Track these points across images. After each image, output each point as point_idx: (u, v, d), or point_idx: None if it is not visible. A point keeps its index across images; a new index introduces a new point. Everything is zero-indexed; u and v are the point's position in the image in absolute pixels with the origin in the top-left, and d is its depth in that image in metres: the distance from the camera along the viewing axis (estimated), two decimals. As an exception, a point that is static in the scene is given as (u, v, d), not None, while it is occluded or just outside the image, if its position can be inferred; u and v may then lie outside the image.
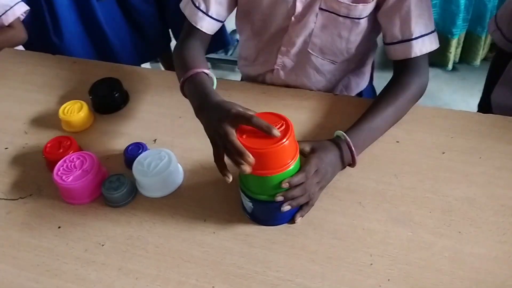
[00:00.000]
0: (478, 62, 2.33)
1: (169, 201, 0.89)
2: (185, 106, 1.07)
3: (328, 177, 0.85)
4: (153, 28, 1.87)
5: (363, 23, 1.00)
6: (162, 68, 2.39)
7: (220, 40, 1.91)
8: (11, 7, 1.50)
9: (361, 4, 0.96)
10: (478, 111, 1.34)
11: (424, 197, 0.85)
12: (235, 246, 0.81)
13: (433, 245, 0.79)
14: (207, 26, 1.04)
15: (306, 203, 0.83)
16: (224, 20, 1.08)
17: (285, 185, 0.76)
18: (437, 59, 2.37)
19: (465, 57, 2.35)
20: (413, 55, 0.96)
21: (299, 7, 0.99)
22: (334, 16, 0.99)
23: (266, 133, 0.71)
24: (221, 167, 0.78)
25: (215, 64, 2.67)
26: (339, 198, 0.87)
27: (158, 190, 0.90)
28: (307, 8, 1.00)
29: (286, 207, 0.78)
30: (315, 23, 1.01)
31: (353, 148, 0.86)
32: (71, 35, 1.71)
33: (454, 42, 2.24)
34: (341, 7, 0.97)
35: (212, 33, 1.06)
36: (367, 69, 1.20)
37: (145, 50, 1.90)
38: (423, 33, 0.95)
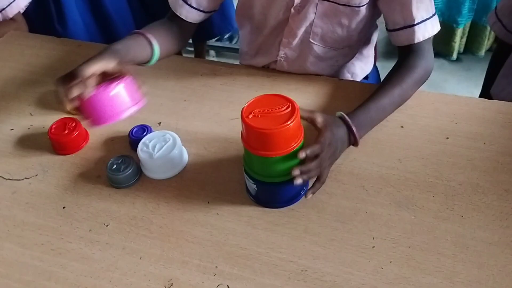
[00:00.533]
0: (483, 52, 2.32)
1: (173, 183, 0.90)
2: (190, 90, 1.08)
3: (337, 153, 0.85)
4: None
5: (363, 10, 0.99)
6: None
7: (224, 24, 1.89)
8: (15, 0, 1.49)
9: None
10: None
11: (427, 181, 0.85)
12: (238, 227, 0.82)
13: (435, 229, 0.79)
14: (186, 14, 1.04)
15: (318, 180, 0.82)
16: (210, 11, 1.07)
17: (301, 155, 0.75)
18: (441, 48, 2.36)
19: (470, 47, 2.35)
20: (416, 41, 0.96)
21: None
22: (334, 5, 0.99)
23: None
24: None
25: (219, 52, 2.67)
26: (342, 182, 0.87)
27: (163, 172, 0.90)
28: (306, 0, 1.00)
29: (299, 180, 0.77)
30: (315, 13, 1.01)
31: (353, 127, 0.86)
32: (75, 23, 1.70)
33: (459, 32, 2.24)
34: None
35: (193, 21, 1.06)
36: (371, 52, 1.20)
37: None
38: (424, 18, 0.95)
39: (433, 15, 0.97)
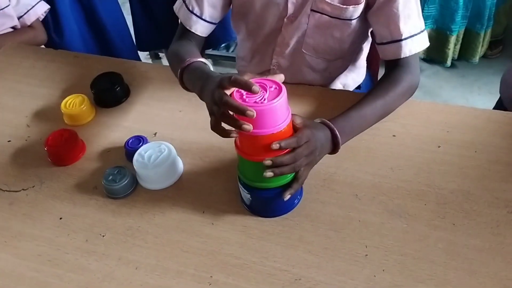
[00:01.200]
0: (477, 59, 2.34)
1: (168, 193, 0.91)
2: (185, 100, 1.09)
3: (316, 155, 0.82)
4: (165, 14, 1.84)
5: (355, 23, 1.01)
6: (164, 64, 2.41)
7: (224, 33, 1.90)
8: (33, 7, 1.51)
9: (351, 6, 0.97)
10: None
11: (419, 190, 0.86)
12: (233, 236, 0.83)
13: (427, 237, 0.80)
14: (201, 29, 1.06)
15: (296, 180, 0.80)
16: (218, 22, 1.09)
17: (275, 146, 0.73)
18: (435, 55, 2.38)
19: (464, 54, 2.36)
20: (403, 56, 0.96)
21: (290, 8, 1.01)
22: (326, 17, 1.00)
23: (246, 90, 0.71)
24: (221, 131, 0.78)
25: (216, 60, 2.68)
26: (335, 191, 0.88)
27: (158, 182, 0.91)
28: (299, 10, 1.01)
29: (269, 173, 0.75)
30: (307, 24, 1.03)
31: (335, 131, 0.85)
32: (71, 33, 1.72)
33: (452, 39, 2.25)
34: (332, 9, 0.98)
35: (206, 35, 1.08)
36: (363, 63, 1.21)
37: (158, 36, 1.89)
38: (412, 33, 0.96)
39: (422, 31, 0.97)
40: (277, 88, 0.74)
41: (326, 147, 0.85)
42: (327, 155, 0.87)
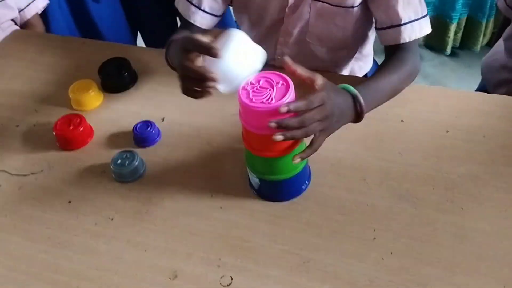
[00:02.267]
0: (478, 48, 2.32)
1: (176, 177, 0.91)
2: (193, 85, 1.08)
3: (334, 121, 0.78)
4: (159, 20, 1.83)
5: (357, 10, 1.00)
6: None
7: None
8: (34, 0, 1.50)
9: None
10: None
11: (427, 174, 0.86)
12: (241, 220, 0.83)
13: (436, 221, 0.80)
14: (201, 20, 1.04)
15: (309, 146, 0.76)
16: (221, 14, 1.08)
17: (284, 108, 0.69)
18: (435, 43, 2.37)
19: (467, 42, 2.35)
20: (402, 41, 0.95)
21: None
22: (327, 5, 0.99)
23: (205, 53, 0.70)
24: (192, 92, 0.77)
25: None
26: (344, 175, 0.88)
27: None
28: (300, 0, 1.00)
29: (278, 137, 0.70)
30: (309, 13, 1.02)
31: (359, 97, 0.82)
32: (57, 21, 1.68)
33: (452, 27, 2.23)
34: None
35: (208, 28, 1.06)
36: (369, 51, 1.20)
37: (152, 40, 1.88)
38: (412, 19, 0.94)
39: (423, 16, 0.96)
40: (284, 84, 0.72)
41: (347, 114, 0.82)
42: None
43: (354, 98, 0.82)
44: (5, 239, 0.85)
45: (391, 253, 0.76)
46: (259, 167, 0.81)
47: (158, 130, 0.98)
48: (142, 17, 1.83)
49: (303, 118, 0.72)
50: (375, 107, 0.90)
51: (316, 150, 0.77)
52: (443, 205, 0.82)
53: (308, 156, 0.77)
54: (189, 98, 1.05)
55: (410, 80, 0.99)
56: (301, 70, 0.75)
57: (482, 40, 2.32)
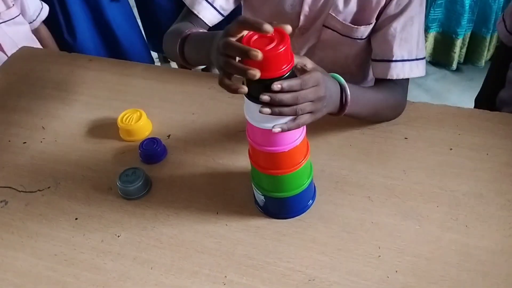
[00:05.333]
0: (483, 63, 2.34)
1: (182, 194, 0.92)
2: (198, 103, 1.10)
3: (324, 105, 0.75)
4: (169, 18, 1.88)
5: (364, 41, 1.00)
6: (174, 67, 2.42)
7: None
8: (39, 14, 1.59)
9: (362, 26, 0.96)
10: (474, 106, 1.37)
11: (431, 192, 0.87)
12: (247, 237, 0.84)
13: (440, 239, 0.80)
14: (209, 17, 1.01)
15: (293, 120, 0.72)
16: (225, 16, 1.05)
17: (276, 86, 0.66)
18: (441, 58, 2.39)
19: (470, 57, 2.37)
20: (389, 77, 0.94)
21: (302, 20, 1.00)
22: (337, 34, 1.00)
23: (256, 30, 0.63)
24: (227, 86, 0.68)
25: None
26: (348, 193, 0.89)
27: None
28: (311, 23, 1.01)
29: (265, 109, 0.67)
30: (318, 38, 1.03)
31: (348, 90, 0.80)
32: (83, 34, 1.75)
33: (458, 42, 2.26)
34: (343, 27, 0.98)
35: (211, 25, 1.03)
36: (373, 78, 1.21)
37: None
38: (405, 58, 0.94)
39: (417, 59, 0.95)
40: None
41: (334, 101, 0.79)
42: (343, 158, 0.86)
43: (342, 88, 0.80)
44: (12, 255, 0.86)
45: (396, 271, 0.77)
46: (265, 185, 0.82)
47: (164, 147, 0.99)
48: (155, 20, 1.88)
49: (297, 95, 0.69)
50: (356, 112, 0.87)
51: (299, 127, 0.73)
52: (447, 222, 0.83)
53: (288, 129, 0.71)
54: (195, 115, 1.07)
55: (393, 111, 0.98)
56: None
57: (486, 55, 2.33)
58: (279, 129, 0.70)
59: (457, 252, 0.78)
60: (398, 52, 0.94)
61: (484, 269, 0.76)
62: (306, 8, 0.98)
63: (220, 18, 1.05)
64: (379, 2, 0.93)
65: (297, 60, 0.72)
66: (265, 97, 0.67)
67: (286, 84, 0.67)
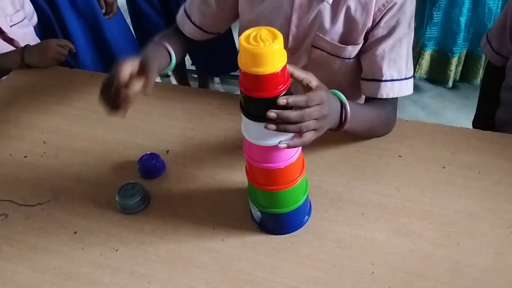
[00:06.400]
0: (478, 81, 2.37)
1: (180, 209, 0.93)
2: (197, 120, 1.12)
3: (325, 123, 0.77)
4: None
5: (353, 61, 1.02)
6: (174, 83, 2.45)
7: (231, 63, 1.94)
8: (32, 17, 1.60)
9: (350, 46, 0.98)
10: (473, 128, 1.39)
11: (424, 209, 0.89)
12: (243, 253, 0.85)
13: (432, 256, 0.82)
14: (188, 30, 1.08)
15: (299, 138, 0.74)
16: (211, 32, 1.10)
17: (282, 101, 0.68)
18: (437, 76, 2.42)
19: (466, 75, 2.40)
20: (379, 96, 0.96)
21: (291, 41, 1.02)
22: (325, 54, 1.02)
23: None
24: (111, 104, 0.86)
25: (224, 79, 2.72)
26: (343, 209, 0.90)
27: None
28: (299, 44, 1.03)
29: (270, 126, 0.69)
30: (308, 58, 1.04)
31: (348, 107, 0.82)
32: (83, 53, 1.77)
33: (454, 61, 2.29)
34: (331, 47, 1.00)
35: (193, 39, 1.10)
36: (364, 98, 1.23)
37: None
38: (394, 78, 0.95)
39: (406, 78, 0.97)
40: None
41: (335, 118, 0.82)
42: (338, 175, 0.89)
43: (342, 105, 0.83)
44: (11, 269, 0.87)
45: (389, 287, 0.78)
46: (261, 200, 0.84)
47: (163, 163, 1.00)
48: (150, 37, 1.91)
49: (303, 113, 0.71)
50: (353, 128, 0.88)
51: (304, 144, 0.75)
52: (439, 240, 0.84)
53: (294, 146, 0.74)
54: (193, 131, 1.09)
55: (385, 127, 1.01)
56: (298, 72, 0.75)
57: (481, 73, 2.36)
58: (285, 145, 0.72)
59: (449, 269, 0.80)
60: (387, 72, 0.95)
61: (476, 286, 0.77)
62: (293, 29, 1.00)
63: (203, 33, 1.10)
64: (366, 24, 0.95)
65: (303, 76, 0.75)
66: (272, 114, 0.68)
67: (292, 99, 0.69)
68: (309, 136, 0.74)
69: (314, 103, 0.73)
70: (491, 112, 1.28)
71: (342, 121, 0.84)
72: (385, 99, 0.97)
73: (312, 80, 0.76)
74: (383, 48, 0.94)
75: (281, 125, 0.70)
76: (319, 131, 0.76)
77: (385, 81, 0.96)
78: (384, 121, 0.99)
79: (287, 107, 0.70)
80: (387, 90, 0.96)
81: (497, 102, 1.26)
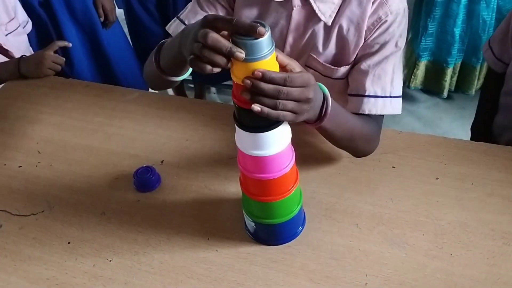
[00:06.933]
0: (473, 92, 2.39)
1: (174, 219, 0.93)
2: (192, 130, 1.12)
3: (307, 107, 0.73)
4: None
5: (345, 81, 1.02)
6: (170, 94, 2.46)
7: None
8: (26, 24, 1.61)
9: (342, 66, 0.98)
10: (471, 135, 1.40)
11: (418, 220, 0.89)
12: (236, 263, 0.85)
13: (426, 267, 0.82)
14: None
15: (274, 109, 0.69)
16: None
17: (257, 73, 0.65)
18: (432, 87, 2.44)
19: (461, 86, 2.42)
20: (361, 111, 0.94)
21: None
22: (318, 74, 1.01)
23: (250, 33, 0.63)
24: (200, 66, 0.68)
25: (220, 89, 2.73)
26: (337, 220, 0.90)
27: None
28: None
29: (245, 94, 0.67)
30: None
31: (329, 100, 0.78)
32: (81, 64, 1.78)
33: (449, 71, 2.31)
34: (324, 68, 1.00)
35: None
36: None
37: None
38: (378, 94, 0.94)
39: (391, 96, 0.95)
40: None
41: (315, 109, 0.78)
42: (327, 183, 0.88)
43: (325, 98, 0.79)
44: (5, 279, 0.86)
45: (382, 298, 0.78)
46: (255, 211, 0.84)
47: (159, 176, 1.00)
48: (148, 48, 1.92)
49: (279, 89, 0.68)
50: (332, 129, 0.85)
51: (278, 117, 0.70)
52: (432, 251, 0.84)
53: (267, 114, 0.69)
54: (188, 142, 1.09)
55: (367, 143, 0.97)
56: (282, 56, 0.72)
57: (476, 84, 2.38)
58: (259, 109, 0.68)
59: (442, 280, 0.80)
60: (371, 88, 0.94)
61: (468, 297, 0.78)
62: (288, 49, 1.01)
63: None
64: (358, 44, 0.95)
65: (287, 61, 0.73)
66: (247, 81, 0.66)
67: (269, 74, 0.66)
68: (284, 114, 0.70)
69: (296, 84, 0.69)
70: (490, 117, 1.30)
71: (321, 115, 0.80)
72: (369, 115, 0.95)
73: (296, 67, 0.73)
74: (368, 63, 0.94)
75: (256, 96, 0.67)
76: (299, 115, 0.73)
77: (368, 96, 0.94)
78: (366, 136, 0.96)
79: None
80: (370, 106, 0.94)
81: (496, 107, 1.27)
